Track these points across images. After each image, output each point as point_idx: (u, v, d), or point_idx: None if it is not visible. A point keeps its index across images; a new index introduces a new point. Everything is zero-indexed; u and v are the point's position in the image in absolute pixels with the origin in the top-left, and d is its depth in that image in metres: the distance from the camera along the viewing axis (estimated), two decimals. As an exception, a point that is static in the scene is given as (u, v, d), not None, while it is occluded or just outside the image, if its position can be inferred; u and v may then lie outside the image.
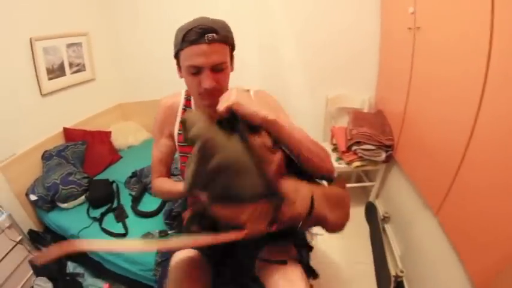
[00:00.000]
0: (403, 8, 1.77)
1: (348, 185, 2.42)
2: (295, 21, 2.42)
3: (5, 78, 2.16)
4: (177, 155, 1.28)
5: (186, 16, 2.63)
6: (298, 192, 0.77)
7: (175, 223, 1.68)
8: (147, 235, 1.68)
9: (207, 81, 0.93)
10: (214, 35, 0.89)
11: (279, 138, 0.83)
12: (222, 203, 0.71)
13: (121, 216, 1.90)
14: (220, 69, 0.95)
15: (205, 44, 0.89)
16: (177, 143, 1.20)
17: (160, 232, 1.67)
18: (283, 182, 0.78)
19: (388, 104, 2.26)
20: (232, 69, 1.04)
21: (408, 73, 1.79)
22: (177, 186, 1.14)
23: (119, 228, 1.84)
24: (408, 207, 1.95)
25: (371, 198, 2.45)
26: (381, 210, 2.33)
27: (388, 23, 2.18)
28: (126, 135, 2.97)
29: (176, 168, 1.74)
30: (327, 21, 2.37)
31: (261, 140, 0.79)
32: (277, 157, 0.81)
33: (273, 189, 0.71)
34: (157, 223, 1.80)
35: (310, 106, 2.62)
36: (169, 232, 1.67)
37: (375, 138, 2.09)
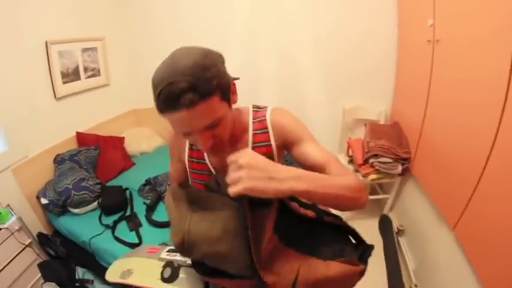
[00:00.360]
0: (422, 20, 1.73)
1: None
2: (313, 31, 2.39)
3: (19, 80, 2.14)
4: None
5: (202, 24, 2.65)
6: (280, 276, 0.66)
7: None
8: (162, 246, 1.63)
9: (202, 145, 0.74)
10: (191, 95, 0.63)
11: (309, 199, 0.68)
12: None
13: (135, 225, 1.86)
14: (215, 126, 0.72)
15: (185, 110, 0.64)
16: (188, 169, 1.04)
17: (175, 243, 1.62)
18: (275, 261, 0.67)
19: (405, 116, 2.21)
20: (235, 101, 0.79)
21: (426, 85, 1.74)
22: None
23: (132, 237, 1.80)
24: (423, 220, 1.90)
25: (385, 211, 2.39)
26: (395, 223, 2.27)
27: (406, 35, 2.13)
28: (139, 141, 2.94)
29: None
30: (344, 32, 2.33)
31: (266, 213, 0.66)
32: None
33: (256, 274, 0.64)
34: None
35: (326, 117, 2.58)
36: (185, 243, 1.62)
37: (392, 151, 2.04)
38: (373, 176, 2.12)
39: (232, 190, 0.56)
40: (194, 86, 0.63)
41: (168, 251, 1.17)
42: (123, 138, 2.88)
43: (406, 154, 2.03)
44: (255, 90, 2.58)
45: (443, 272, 1.57)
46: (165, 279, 1.05)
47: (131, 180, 2.40)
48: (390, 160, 2.04)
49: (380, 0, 2.18)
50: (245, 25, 2.51)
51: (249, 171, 0.55)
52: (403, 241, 2.22)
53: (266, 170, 0.57)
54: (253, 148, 0.86)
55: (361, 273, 0.70)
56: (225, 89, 0.71)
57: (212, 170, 0.92)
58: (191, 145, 0.96)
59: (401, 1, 2.12)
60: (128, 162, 2.71)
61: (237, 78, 0.80)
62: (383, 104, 2.40)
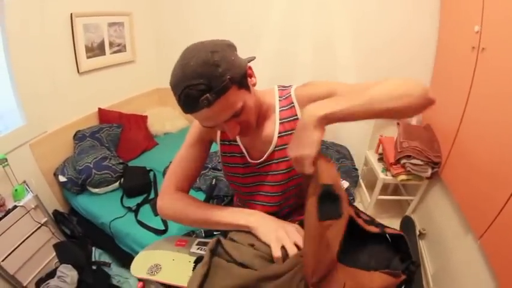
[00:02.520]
0: (467, 25, 1.56)
1: (384, 197, 2.22)
2: (353, 22, 2.19)
3: (42, 53, 1.95)
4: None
5: (234, 5, 2.44)
6: None
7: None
8: (189, 234, 1.45)
9: (230, 133, 0.74)
10: (209, 96, 0.63)
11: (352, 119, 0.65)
12: None
13: None
14: (238, 114, 0.71)
15: (205, 109, 0.65)
16: (219, 153, 0.98)
17: (205, 232, 1.44)
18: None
19: (438, 119, 2.05)
20: (254, 83, 0.78)
21: (466, 93, 1.59)
22: (215, 208, 0.89)
23: (157, 222, 1.61)
24: (447, 226, 1.78)
25: (407, 213, 2.25)
26: (417, 226, 2.15)
27: (447, 38, 1.95)
28: (163, 121, 2.73)
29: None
30: (383, 27, 2.14)
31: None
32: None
33: None
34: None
35: None
36: (215, 233, 1.45)
37: (425, 154, 1.90)
38: (402, 177, 1.98)
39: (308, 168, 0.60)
40: (209, 86, 0.63)
41: (198, 244, 0.99)
42: (146, 117, 2.68)
43: (437, 158, 1.90)
44: (289, 77, 2.38)
45: (464, 281, 1.49)
46: None
47: (154, 161, 2.21)
48: (421, 163, 1.92)
49: (423, -1, 1.99)
50: (283, 10, 2.31)
51: (294, 147, 0.63)
52: (423, 244, 2.11)
53: (295, 134, 0.63)
54: (281, 124, 0.85)
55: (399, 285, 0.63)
56: (240, 78, 0.69)
57: (243, 150, 0.91)
58: (222, 140, 0.95)
59: (445, 3, 1.94)
60: (150, 142, 2.51)
61: (252, 59, 0.76)
62: (416, 104, 2.23)
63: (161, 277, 0.92)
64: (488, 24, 1.41)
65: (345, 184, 1.88)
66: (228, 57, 0.67)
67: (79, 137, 2.12)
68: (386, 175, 2.04)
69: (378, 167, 2.11)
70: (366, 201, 2.37)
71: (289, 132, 0.84)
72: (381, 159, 2.20)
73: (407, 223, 2.17)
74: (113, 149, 2.18)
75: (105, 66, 2.40)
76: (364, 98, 0.61)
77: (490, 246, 1.26)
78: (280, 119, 0.85)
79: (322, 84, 0.81)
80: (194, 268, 0.90)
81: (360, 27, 2.20)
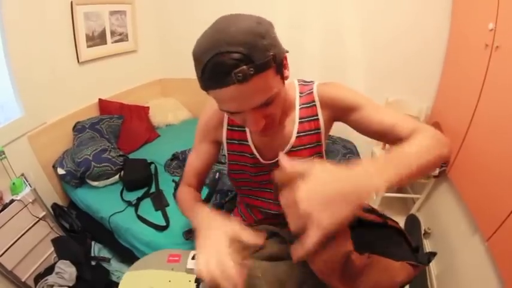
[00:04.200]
0: (481, 22, 1.48)
1: (389, 194, 2.15)
2: (363, 13, 2.08)
3: (41, 42, 1.85)
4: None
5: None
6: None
7: (226, 221, 1.38)
8: (191, 231, 1.37)
9: (254, 125, 0.63)
10: (245, 68, 0.51)
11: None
12: None
13: (160, 204, 1.58)
14: (268, 103, 0.60)
15: (236, 85, 0.52)
16: (226, 152, 0.89)
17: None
18: None
19: (447, 118, 1.97)
20: (287, 77, 0.65)
21: (477, 92, 1.51)
22: (194, 212, 0.77)
23: (157, 218, 1.52)
24: (453, 227, 1.72)
25: (412, 211, 2.18)
26: (422, 225, 2.08)
27: (459, 35, 1.86)
28: (165, 112, 2.62)
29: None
30: (394, 19, 2.03)
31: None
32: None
33: None
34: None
35: None
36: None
37: (433, 151, 1.82)
38: (409, 175, 1.89)
39: (300, 252, 0.43)
40: (250, 57, 0.51)
41: (194, 258, 0.89)
42: (148, 108, 2.57)
43: (445, 157, 1.81)
44: (296, 67, 2.26)
45: (469, 283, 1.44)
46: None
47: (156, 153, 2.11)
48: (429, 161, 1.83)
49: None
50: (291, 2, 2.21)
51: (317, 211, 0.42)
52: (427, 244, 2.04)
53: (336, 194, 0.43)
54: (300, 124, 0.77)
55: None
56: (280, 61, 0.58)
57: (254, 151, 0.83)
58: (231, 125, 0.83)
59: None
60: (152, 133, 2.41)
61: (287, 51, 0.63)
62: (425, 101, 2.12)
63: None
64: (503, 21, 1.33)
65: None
66: (273, 34, 0.57)
67: (78, 128, 2.02)
68: (393, 172, 1.96)
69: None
70: (370, 198, 2.30)
71: (308, 132, 0.78)
72: (388, 156, 2.12)
73: (412, 222, 2.11)
74: (113, 141, 2.08)
75: (106, 55, 2.29)
76: (409, 165, 0.51)
77: (498, 249, 1.20)
78: (300, 118, 0.78)
79: (348, 91, 0.74)
80: None
81: (369, 19, 2.10)
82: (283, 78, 0.63)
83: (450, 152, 0.60)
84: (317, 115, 0.77)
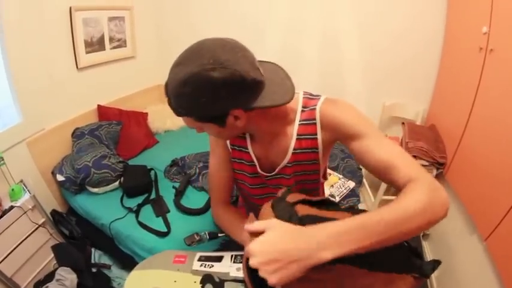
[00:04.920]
0: (475, 26, 1.50)
1: (387, 197, 2.15)
2: (359, 17, 2.11)
3: (39, 47, 1.84)
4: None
5: (239, 1, 2.32)
6: None
7: (227, 227, 1.38)
8: (192, 237, 1.36)
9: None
10: (171, 107, 0.65)
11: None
12: None
13: (161, 210, 1.57)
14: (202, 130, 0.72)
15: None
16: (230, 157, 0.90)
17: (209, 234, 1.35)
18: None
19: (443, 120, 1.99)
20: (239, 126, 0.67)
21: (472, 94, 1.53)
22: (236, 230, 0.88)
23: (158, 224, 1.51)
24: (452, 227, 1.72)
25: (411, 213, 2.19)
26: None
27: (454, 38, 1.88)
28: (163, 118, 2.60)
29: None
30: (390, 23, 2.06)
31: None
32: None
33: None
34: (204, 222, 1.46)
35: (364, 111, 2.26)
36: (220, 235, 1.36)
37: (430, 155, 1.84)
38: (407, 178, 1.91)
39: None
40: (169, 103, 0.65)
41: (200, 260, 0.88)
42: (147, 114, 2.56)
43: (442, 159, 1.84)
44: (294, 73, 2.27)
45: (468, 283, 1.46)
46: None
47: (155, 159, 2.10)
48: (427, 163, 1.86)
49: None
50: (289, 6, 2.22)
51: (266, 265, 0.45)
52: (426, 245, 2.06)
53: (280, 255, 0.46)
54: (298, 140, 0.75)
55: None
56: (202, 116, 0.64)
57: (254, 159, 0.83)
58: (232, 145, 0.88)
59: (452, 2, 1.87)
60: (151, 139, 2.39)
61: (268, 105, 0.63)
62: (421, 104, 2.15)
63: None
64: (497, 25, 1.35)
65: (351, 184, 1.80)
66: (196, 97, 0.59)
67: (77, 134, 2.01)
68: (391, 175, 1.97)
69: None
70: (369, 201, 2.30)
71: (305, 150, 0.76)
72: (386, 159, 2.13)
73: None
74: (112, 147, 2.07)
75: (104, 61, 2.28)
76: (377, 234, 0.48)
77: (497, 248, 1.21)
78: (298, 134, 0.75)
79: (352, 116, 0.68)
80: None
81: (366, 24, 2.12)
82: (222, 125, 0.66)
83: (445, 214, 0.53)
84: (316, 134, 0.74)
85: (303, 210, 0.63)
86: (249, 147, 0.83)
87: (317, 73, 2.32)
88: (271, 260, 0.46)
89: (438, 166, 1.85)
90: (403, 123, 2.09)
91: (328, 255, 0.45)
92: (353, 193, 1.77)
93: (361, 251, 0.47)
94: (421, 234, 2.02)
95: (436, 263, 0.62)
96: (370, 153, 0.64)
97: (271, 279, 0.45)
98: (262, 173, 0.84)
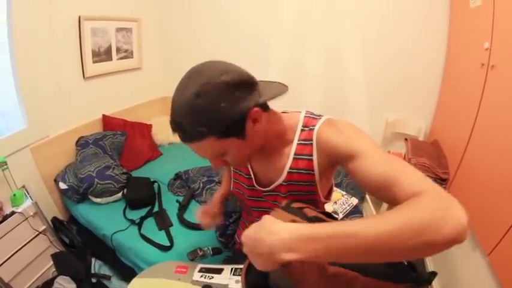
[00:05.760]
0: (477, 42, 1.51)
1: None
2: (363, 34, 2.13)
3: (47, 55, 1.86)
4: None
5: (243, 17, 2.35)
6: None
7: (231, 242, 1.37)
8: (195, 252, 1.35)
9: (212, 165, 0.73)
10: (182, 135, 0.61)
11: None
12: None
13: (164, 224, 1.56)
14: (220, 155, 0.67)
15: (187, 143, 0.63)
16: (232, 168, 0.93)
17: (213, 249, 1.34)
18: None
19: (446, 135, 1.99)
20: (258, 129, 0.66)
21: (475, 110, 1.53)
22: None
23: (161, 237, 1.51)
24: None
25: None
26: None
27: (456, 54, 1.90)
28: (167, 130, 2.53)
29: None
30: (392, 38, 2.08)
31: None
32: None
33: None
34: (207, 237, 1.45)
35: (367, 127, 2.29)
36: (224, 251, 1.36)
37: (433, 170, 1.84)
38: (409, 192, 1.91)
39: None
40: (184, 129, 0.59)
41: (200, 271, 0.91)
42: (151, 125, 2.56)
43: (445, 175, 1.84)
44: (297, 89, 2.31)
45: None
46: None
47: (158, 172, 2.10)
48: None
49: (432, 12, 1.94)
50: (292, 21, 2.25)
51: (249, 254, 0.49)
52: (429, 260, 2.05)
53: (253, 247, 0.48)
54: (294, 160, 0.74)
55: None
56: (223, 129, 0.60)
57: (251, 173, 0.85)
58: None
59: (454, 19, 1.89)
60: (155, 152, 2.39)
61: (279, 93, 0.67)
62: (424, 120, 2.17)
63: None
64: (498, 41, 1.35)
65: (354, 201, 1.80)
66: (215, 104, 0.57)
67: (82, 143, 2.01)
68: (394, 192, 1.97)
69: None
70: (369, 212, 2.30)
71: (300, 171, 0.75)
72: (388, 176, 2.14)
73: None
74: (116, 158, 2.07)
75: (111, 72, 2.30)
76: (361, 240, 0.41)
77: (500, 263, 1.20)
78: (295, 154, 0.74)
79: (352, 139, 0.64)
80: None
81: (369, 41, 2.14)
82: (244, 135, 0.64)
83: (458, 237, 0.42)
84: (311, 155, 0.72)
85: (311, 212, 0.64)
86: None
87: (320, 89, 2.34)
88: (249, 250, 0.49)
89: (441, 182, 1.84)
90: (406, 139, 2.10)
91: (287, 257, 0.43)
92: (356, 210, 1.77)
93: (332, 260, 0.46)
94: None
95: (432, 275, 0.58)
96: (367, 172, 0.58)
97: (256, 266, 0.49)
98: (258, 187, 0.84)
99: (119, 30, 2.26)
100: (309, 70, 2.30)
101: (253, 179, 0.85)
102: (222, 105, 0.57)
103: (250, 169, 0.85)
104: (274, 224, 0.47)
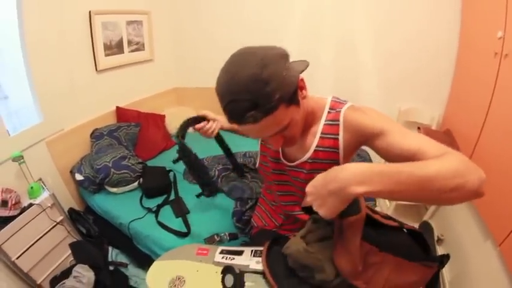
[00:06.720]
0: (490, 30, 1.48)
1: (402, 202, 2.14)
2: (375, 22, 2.11)
3: (60, 50, 1.88)
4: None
5: (255, 7, 2.32)
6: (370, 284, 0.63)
7: (247, 228, 1.38)
8: (212, 238, 1.36)
9: (273, 145, 0.75)
10: (254, 113, 0.60)
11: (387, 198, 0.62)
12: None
13: (181, 211, 1.57)
14: (283, 130, 0.69)
15: (249, 124, 0.62)
16: (259, 141, 0.99)
17: (229, 235, 1.35)
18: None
19: (459, 125, 1.97)
20: (305, 96, 0.72)
21: (488, 99, 1.51)
22: None
23: (177, 224, 1.52)
24: (466, 233, 1.70)
25: (425, 218, 2.17)
26: (435, 232, 2.07)
27: (469, 43, 1.86)
28: (180, 120, 2.54)
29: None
30: (405, 29, 2.05)
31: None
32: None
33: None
34: (224, 224, 1.47)
35: None
36: (240, 236, 1.37)
37: (445, 160, 1.82)
38: (423, 182, 1.89)
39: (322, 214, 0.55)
40: (256, 104, 0.59)
41: (221, 253, 0.91)
42: (164, 116, 2.57)
43: (457, 164, 1.81)
44: (309, 77, 2.29)
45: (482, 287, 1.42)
46: None
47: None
48: (442, 169, 1.82)
49: (444, 0, 1.91)
50: (304, 11, 2.22)
51: (314, 201, 0.55)
52: (441, 250, 2.02)
53: (323, 188, 0.54)
54: (321, 138, 0.79)
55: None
56: (290, 94, 0.64)
57: (280, 154, 0.89)
58: None
59: (467, 7, 1.86)
60: (169, 142, 2.39)
61: (306, 66, 0.73)
62: (437, 109, 2.13)
63: None
64: None
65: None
66: (280, 73, 0.60)
67: (96, 135, 2.03)
68: (408, 179, 1.96)
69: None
70: (384, 206, 2.29)
71: (326, 149, 0.79)
72: (401, 164, 2.12)
73: (426, 228, 2.09)
74: (131, 148, 2.08)
75: (123, 64, 2.31)
76: (415, 180, 0.50)
77: (511, 254, 1.19)
78: (321, 133, 0.79)
79: (377, 119, 0.71)
80: (223, 279, 0.82)
81: (381, 28, 2.12)
82: (299, 102, 0.69)
83: (480, 189, 0.52)
84: (338, 134, 0.76)
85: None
86: None
87: (333, 77, 2.32)
88: (317, 196, 0.54)
89: (448, 205, 1.84)
90: (418, 128, 2.08)
91: (358, 189, 0.49)
92: (370, 196, 1.76)
93: (388, 196, 0.51)
94: (436, 240, 1.99)
95: (445, 257, 0.65)
96: (395, 146, 0.64)
97: (320, 213, 0.54)
98: (284, 161, 0.88)
99: (129, 23, 2.27)
100: (322, 59, 2.28)
101: (281, 153, 0.89)
102: (284, 74, 0.61)
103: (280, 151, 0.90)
104: (344, 165, 0.53)
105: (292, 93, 0.65)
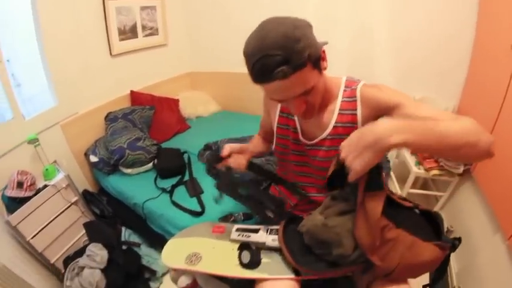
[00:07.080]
0: (507, 22, 1.47)
1: (414, 191, 2.13)
2: (390, 9, 2.07)
3: (74, 35, 1.89)
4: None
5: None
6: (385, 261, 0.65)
7: (261, 207, 1.38)
8: (226, 217, 1.36)
9: (295, 109, 0.76)
10: (285, 68, 0.62)
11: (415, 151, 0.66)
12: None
13: (195, 191, 1.58)
14: (307, 93, 0.71)
15: (278, 81, 0.64)
16: (275, 125, 0.98)
17: (244, 215, 1.35)
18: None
19: (473, 116, 1.86)
20: (325, 67, 0.74)
21: (503, 91, 1.48)
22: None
23: (192, 204, 1.52)
24: (475, 225, 1.69)
25: (436, 208, 2.15)
26: (445, 222, 2.06)
27: (486, 34, 1.82)
28: (195, 105, 2.62)
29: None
30: (420, 16, 2.01)
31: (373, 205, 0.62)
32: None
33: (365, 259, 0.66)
34: (238, 204, 1.46)
35: None
36: (254, 216, 1.37)
37: (457, 151, 1.81)
38: (435, 172, 1.88)
39: (350, 177, 0.57)
40: (287, 59, 0.61)
41: (237, 230, 0.92)
42: (178, 100, 2.58)
43: (469, 156, 1.79)
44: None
45: (489, 281, 1.41)
46: (246, 265, 0.81)
47: (187, 143, 2.11)
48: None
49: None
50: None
51: (349, 155, 0.57)
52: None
53: (359, 141, 0.56)
54: (339, 114, 0.82)
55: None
56: (316, 57, 0.67)
57: (298, 126, 0.91)
58: (281, 112, 0.97)
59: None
60: (183, 125, 2.41)
61: (326, 43, 0.73)
62: (451, 100, 2.10)
63: (203, 267, 0.83)
64: None
65: (381, 176, 1.79)
66: (309, 35, 0.65)
67: (111, 118, 2.04)
68: (419, 169, 1.94)
69: (411, 160, 2.02)
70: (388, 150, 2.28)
71: (345, 124, 0.82)
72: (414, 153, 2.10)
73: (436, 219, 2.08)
74: (146, 131, 2.10)
75: (137, 49, 2.32)
76: (437, 132, 0.56)
77: None
78: (340, 109, 0.82)
79: (391, 93, 0.75)
80: (239, 255, 0.83)
81: (396, 14, 2.08)
82: (321, 70, 0.72)
83: (489, 149, 0.59)
84: (356, 109, 0.79)
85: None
86: (296, 116, 0.91)
87: (348, 61, 2.28)
88: (353, 148, 0.57)
89: (466, 162, 1.82)
90: (433, 118, 2.06)
91: (394, 139, 0.53)
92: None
93: (417, 147, 0.56)
94: (445, 231, 1.98)
95: (457, 240, 0.68)
96: (411, 116, 0.67)
97: (354, 167, 0.56)
98: (304, 140, 0.90)
99: (143, 8, 2.27)
100: (336, 44, 2.24)
101: (300, 132, 0.91)
102: (311, 38, 0.65)
103: (297, 123, 0.91)
104: (377, 121, 0.57)
105: (318, 58, 0.68)
